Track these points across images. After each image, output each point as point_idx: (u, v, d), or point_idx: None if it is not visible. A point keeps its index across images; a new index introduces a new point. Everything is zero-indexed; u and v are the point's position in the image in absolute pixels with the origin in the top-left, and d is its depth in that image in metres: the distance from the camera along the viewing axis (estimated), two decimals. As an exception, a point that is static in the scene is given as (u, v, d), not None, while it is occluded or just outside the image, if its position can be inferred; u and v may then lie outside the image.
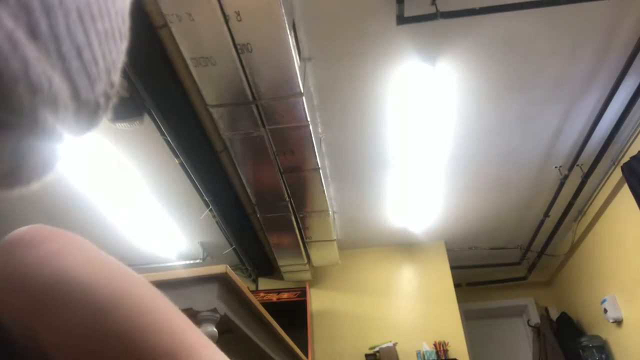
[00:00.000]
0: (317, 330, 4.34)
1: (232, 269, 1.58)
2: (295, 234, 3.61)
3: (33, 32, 0.15)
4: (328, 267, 4.52)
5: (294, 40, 2.17)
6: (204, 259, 4.36)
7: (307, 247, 3.90)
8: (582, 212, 4.15)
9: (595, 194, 3.88)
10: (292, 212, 3.37)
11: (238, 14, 1.95)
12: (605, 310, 3.79)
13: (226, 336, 1.75)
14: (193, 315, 1.53)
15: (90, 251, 0.29)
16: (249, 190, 3.15)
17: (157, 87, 2.43)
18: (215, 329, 1.50)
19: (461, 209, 4.09)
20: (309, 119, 2.56)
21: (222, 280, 1.56)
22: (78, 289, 0.26)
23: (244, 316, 1.78)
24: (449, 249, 4.64)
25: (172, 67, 2.46)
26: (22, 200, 3.58)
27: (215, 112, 2.49)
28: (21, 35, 0.15)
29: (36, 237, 0.28)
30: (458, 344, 4.06)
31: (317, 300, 4.49)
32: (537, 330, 4.64)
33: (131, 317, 0.27)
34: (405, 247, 4.67)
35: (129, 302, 0.27)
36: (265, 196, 3.19)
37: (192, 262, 4.37)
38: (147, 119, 2.68)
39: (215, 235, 4.06)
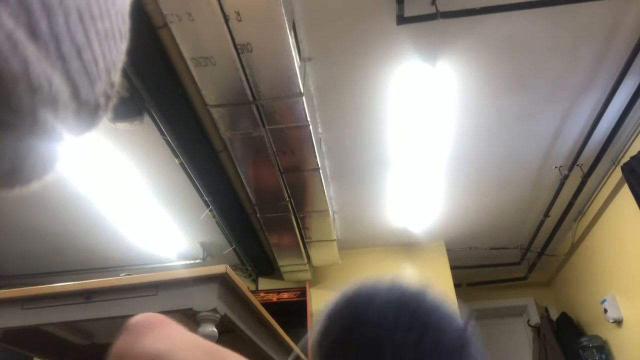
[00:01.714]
0: (317, 330, 4.33)
1: (232, 269, 1.58)
2: (295, 234, 3.61)
3: (33, 32, 0.15)
4: (328, 267, 4.51)
5: (294, 40, 2.17)
6: (204, 259, 4.36)
7: (307, 247, 3.89)
8: (582, 212, 4.15)
9: (595, 194, 3.88)
10: (292, 212, 3.37)
11: (238, 14, 1.95)
12: (605, 310, 3.79)
13: (226, 336, 1.75)
14: (193, 315, 1.53)
15: (187, 336, 0.40)
16: (249, 190, 3.14)
17: (157, 87, 2.43)
18: (215, 329, 1.50)
19: (461, 209, 4.09)
20: (309, 119, 2.56)
21: (222, 280, 1.56)
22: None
23: (244, 316, 1.78)
24: (449, 249, 4.63)
25: (172, 67, 2.46)
26: (22, 200, 3.58)
27: (215, 112, 2.49)
28: (21, 35, 0.15)
29: (148, 323, 0.40)
30: (458, 344, 4.05)
31: (317, 300, 4.49)
32: (537, 330, 4.64)
33: None
34: (405, 247, 4.67)
35: None
36: (265, 196, 3.19)
37: (192, 262, 4.37)
38: (147, 119, 2.68)
39: (215, 235, 4.06)
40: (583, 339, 4.09)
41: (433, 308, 0.41)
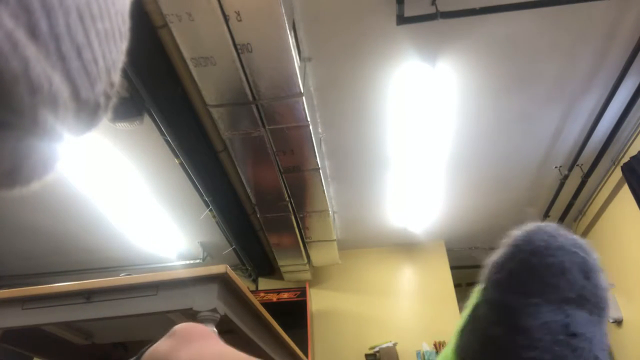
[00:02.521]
0: (317, 330, 4.33)
1: (232, 269, 1.58)
2: (295, 234, 3.61)
3: (33, 32, 0.15)
4: (328, 267, 4.51)
5: (294, 40, 2.17)
6: (204, 259, 4.36)
7: (307, 247, 3.89)
8: (582, 212, 4.15)
9: (595, 194, 3.88)
10: (292, 212, 3.37)
11: (238, 14, 1.95)
12: (605, 310, 3.79)
13: (226, 336, 1.74)
14: (193, 315, 1.53)
15: (228, 351, 0.45)
16: (249, 190, 3.15)
17: (157, 87, 2.43)
18: (215, 329, 1.50)
19: (461, 208, 4.09)
20: (309, 119, 2.56)
21: (222, 280, 1.56)
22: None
23: (244, 316, 1.78)
24: (448, 249, 4.63)
25: (172, 67, 2.46)
26: (22, 200, 3.58)
27: (215, 112, 2.49)
28: (21, 35, 0.15)
29: (191, 334, 0.46)
30: (458, 344, 4.05)
31: (317, 300, 4.49)
32: (537, 330, 4.63)
33: None
34: (405, 247, 4.67)
35: None
36: (265, 196, 3.19)
37: (192, 262, 4.37)
38: (147, 119, 2.68)
39: (215, 235, 4.06)
40: (583, 339, 4.09)
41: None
